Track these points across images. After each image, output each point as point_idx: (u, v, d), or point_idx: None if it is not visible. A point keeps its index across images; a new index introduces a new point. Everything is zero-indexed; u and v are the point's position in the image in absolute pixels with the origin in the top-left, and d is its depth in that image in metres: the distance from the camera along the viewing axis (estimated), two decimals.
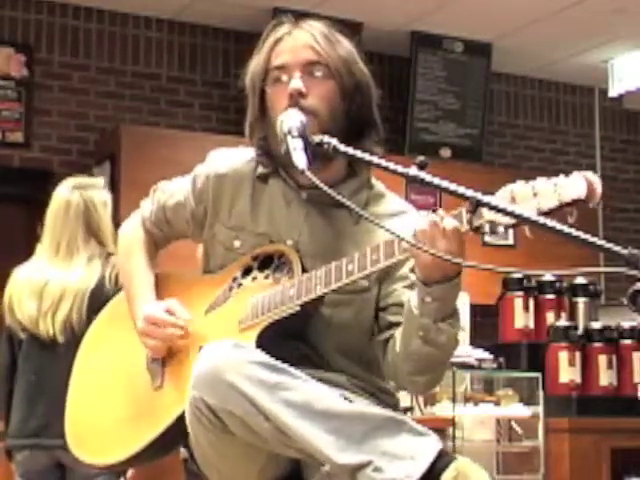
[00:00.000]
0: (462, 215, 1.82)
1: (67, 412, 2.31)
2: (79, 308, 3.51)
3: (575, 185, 1.68)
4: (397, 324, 2.04)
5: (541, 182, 1.72)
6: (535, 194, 1.71)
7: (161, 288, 2.25)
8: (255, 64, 2.13)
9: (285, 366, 1.87)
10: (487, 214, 1.78)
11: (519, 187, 1.75)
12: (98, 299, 3.45)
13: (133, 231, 2.33)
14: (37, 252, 3.70)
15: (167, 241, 2.35)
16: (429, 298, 1.87)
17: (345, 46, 2.11)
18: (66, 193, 3.69)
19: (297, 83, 2.03)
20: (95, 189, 3.74)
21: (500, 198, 1.76)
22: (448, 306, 1.91)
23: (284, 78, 2.06)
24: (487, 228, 1.80)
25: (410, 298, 1.94)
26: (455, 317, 1.93)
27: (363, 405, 1.94)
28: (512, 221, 1.74)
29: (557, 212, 1.69)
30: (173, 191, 2.27)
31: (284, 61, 2.07)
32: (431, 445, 1.83)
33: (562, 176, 1.71)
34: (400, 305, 2.04)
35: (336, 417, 1.83)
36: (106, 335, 2.37)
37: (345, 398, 1.94)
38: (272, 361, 1.87)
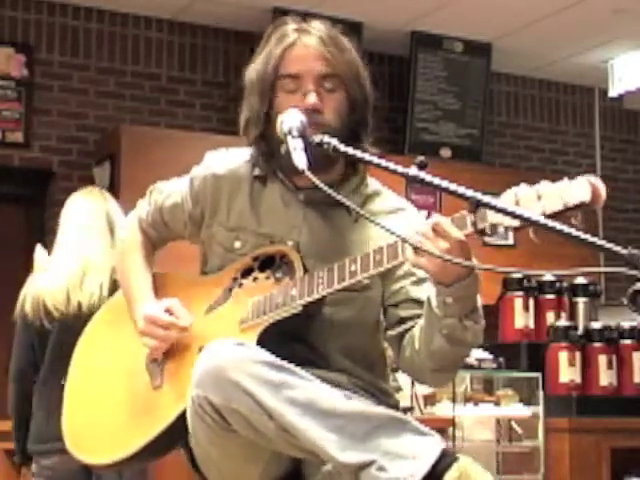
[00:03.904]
0: (466, 217, 1.82)
1: (65, 411, 2.31)
2: (100, 292, 3.53)
3: (579, 189, 1.69)
4: (410, 318, 2.05)
5: (545, 186, 1.73)
6: (539, 197, 1.72)
7: (159, 288, 2.25)
8: (264, 67, 2.11)
9: (289, 365, 1.87)
10: (492, 216, 1.78)
11: (523, 190, 1.75)
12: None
13: (130, 232, 2.33)
14: (52, 255, 3.73)
15: (164, 242, 2.35)
16: (450, 299, 1.88)
17: (353, 53, 2.13)
18: (90, 203, 3.73)
19: (313, 98, 2.05)
20: (113, 202, 3.79)
21: (504, 201, 1.76)
22: (470, 302, 1.91)
23: (295, 87, 2.07)
24: (490, 230, 1.80)
25: (430, 299, 1.94)
26: (477, 312, 1.94)
27: (366, 404, 1.94)
28: (516, 223, 1.74)
29: (561, 215, 1.70)
30: (170, 192, 2.26)
31: (297, 71, 2.07)
32: (434, 445, 1.83)
33: (566, 180, 1.72)
34: (411, 301, 2.05)
35: (339, 416, 1.83)
36: (103, 335, 2.36)
37: (348, 398, 1.94)
38: (276, 360, 1.87)
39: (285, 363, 1.87)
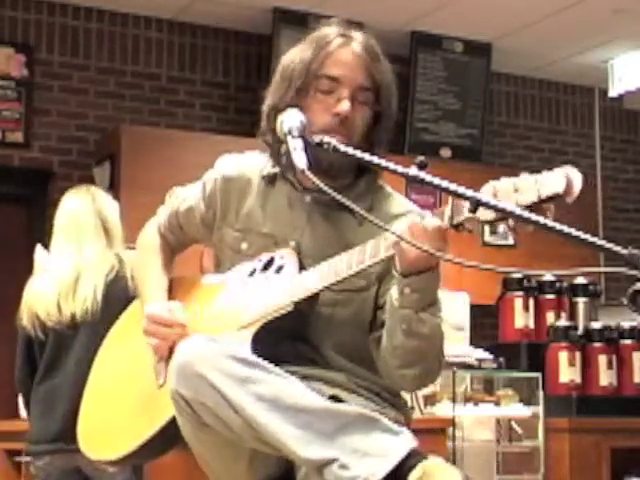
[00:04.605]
0: (444, 213, 1.83)
1: (82, 409, 2.36)
2: (93, 296, 3.53)
3: (555, 181, 1.68)
4: None
5: (523, 178, 1.73)
6: (516, 190, 1.72)
7: (175, 291, 2.29)
8: (306, 63, 2.11)
9: (259, 360, 1.88)
10: (467, 212, 1.79)
11: (501, 183, 1.75)
12: (116, 293, 3.48)
13: (150, 237, 2.38)
14: (50, 257, 3.73)
15: (182, 245, 2.39)
16: (408, 289, 1.89)
17: (389, 68, 2.17)
18: (77, 202, 3.72)
19: (348, 106, 2.07)
20: (103, 197, 3.78)
21: (483, 194, 1.76)
22: (429, 296, 1.92)
23: (331, 89, 2.09)
24: (469, 226, 1.81)
25: (391, 292, 1.95)
26: (436, 307, 1.94)
27: (354, 404, 1.94)
28: (492, 217, 1.74)
29: (537, 208, 1.69)
30: (185, 197, 2.31)
31: (338, 74, 2.09)
32: (403, 444, 1.82)
33: (544, 172, 1.72)
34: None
35: (307, 412, 1.83)
36: (124, 336, 2.41)
37: (332, 397, 1.95)
38: (247, 355, 1.89)
39: (256, 359, 1.88)
